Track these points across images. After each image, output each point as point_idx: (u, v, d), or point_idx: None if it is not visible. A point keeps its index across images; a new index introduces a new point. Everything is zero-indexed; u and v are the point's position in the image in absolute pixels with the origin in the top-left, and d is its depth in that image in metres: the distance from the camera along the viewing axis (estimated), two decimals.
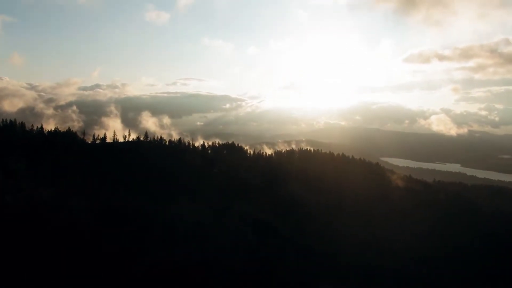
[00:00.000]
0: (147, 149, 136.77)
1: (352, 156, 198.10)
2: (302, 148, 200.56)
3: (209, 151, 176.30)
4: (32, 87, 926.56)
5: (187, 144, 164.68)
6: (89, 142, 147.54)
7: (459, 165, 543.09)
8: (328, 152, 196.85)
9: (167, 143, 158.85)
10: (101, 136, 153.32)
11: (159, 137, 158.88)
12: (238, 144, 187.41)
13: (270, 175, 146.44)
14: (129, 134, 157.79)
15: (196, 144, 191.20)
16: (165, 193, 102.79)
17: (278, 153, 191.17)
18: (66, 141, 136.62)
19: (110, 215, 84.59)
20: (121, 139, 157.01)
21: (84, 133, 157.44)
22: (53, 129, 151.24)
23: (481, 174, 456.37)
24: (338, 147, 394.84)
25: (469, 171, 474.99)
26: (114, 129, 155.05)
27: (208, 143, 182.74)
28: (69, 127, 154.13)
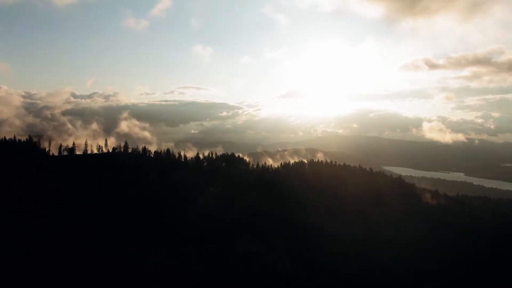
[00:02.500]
0: (123, 164, 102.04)
1: (371, 168, 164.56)
2: (312, 160, 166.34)
3: (205, 164, 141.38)
4: (29, 96, 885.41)
5: (177, 156, 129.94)
6: (52, 153, 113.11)
7: (463, 174, 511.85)
8: (343, 164, 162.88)
9: (152, 155, 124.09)
10: (70, 146, 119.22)
11: (142, 147, 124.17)
12: (239, 156, 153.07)
13: (280, 196, 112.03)
14: (106, 144, 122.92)
15: (190, 155, 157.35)
16: (136, 233, 67.91)
17: (285, 166, 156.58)
18: (20, 152, 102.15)
19: (39, 279, 49.70)
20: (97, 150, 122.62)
21: (50, 143, 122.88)
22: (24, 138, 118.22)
23: (487, 183, 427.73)
24: (340, 156, 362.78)
25: (475, 181, 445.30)
26: (86, 139, 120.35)
27: (204, 154, 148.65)
28: (29, 135, 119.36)
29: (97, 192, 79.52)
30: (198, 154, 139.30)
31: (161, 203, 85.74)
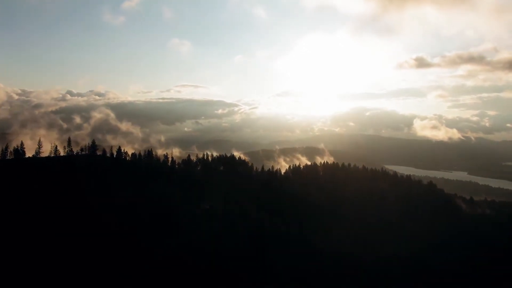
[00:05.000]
0: (81, 171, 71.67)
1: (395, 172, 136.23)
2: (326, 162, 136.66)
3: (198, 168, 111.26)
4: (24, 93, 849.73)
5: (162, 159, 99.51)
6: None
7: (466, 173, 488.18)
8: (361, 167, 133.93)
9: (128, 158, 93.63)
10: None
11: (116, 149, 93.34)
12: (239, 157, 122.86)
13: (296, 212, 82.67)
14: (69, 145, 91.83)
15: (179, 154, 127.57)
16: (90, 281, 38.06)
17: (295, 170, 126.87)
18: None
19: None
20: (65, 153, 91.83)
21: None
22: None
23: (493, 183, 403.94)
24: (342, 155, 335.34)
25: (480, 180, 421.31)
26: (40, 137, 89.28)
27: (197, 156, 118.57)
28: None
29: (32, 213, 49.39)
30: (189, 156, 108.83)
31: (132, 231, 55.82)
